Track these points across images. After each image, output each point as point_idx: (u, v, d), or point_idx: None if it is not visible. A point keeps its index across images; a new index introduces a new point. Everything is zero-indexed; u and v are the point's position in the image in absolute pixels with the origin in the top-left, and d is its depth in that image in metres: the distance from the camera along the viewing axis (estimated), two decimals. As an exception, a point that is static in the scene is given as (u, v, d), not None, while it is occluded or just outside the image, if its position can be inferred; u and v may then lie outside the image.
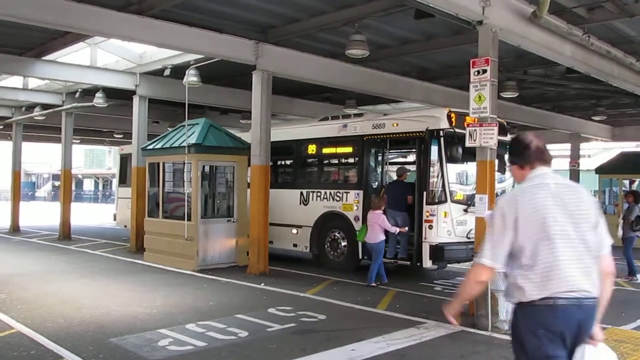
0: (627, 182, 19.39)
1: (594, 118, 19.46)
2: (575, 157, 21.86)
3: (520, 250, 2.96)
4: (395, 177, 12.20)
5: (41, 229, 21.43)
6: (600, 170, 20.04)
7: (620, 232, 11.61)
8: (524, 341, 2.99)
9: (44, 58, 13.49)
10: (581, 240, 2.95)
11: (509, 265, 3.05)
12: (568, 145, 22.55)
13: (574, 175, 21.67)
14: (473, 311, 7.42)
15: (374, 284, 10.03)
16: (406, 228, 10.26)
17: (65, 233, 17.84)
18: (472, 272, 3.18)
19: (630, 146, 26.69)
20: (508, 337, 6.64)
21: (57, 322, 7.24)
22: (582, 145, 23.02)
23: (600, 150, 34.71)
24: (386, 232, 10.03)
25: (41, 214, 30.55)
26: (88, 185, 68.59)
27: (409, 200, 10.55)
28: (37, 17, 9.13)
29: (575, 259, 2.93)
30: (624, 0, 9.00)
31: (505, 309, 6.92)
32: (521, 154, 3.21)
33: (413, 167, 11.23)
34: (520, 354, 3.03)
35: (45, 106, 18.59)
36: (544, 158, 3.18)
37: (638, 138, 23.87)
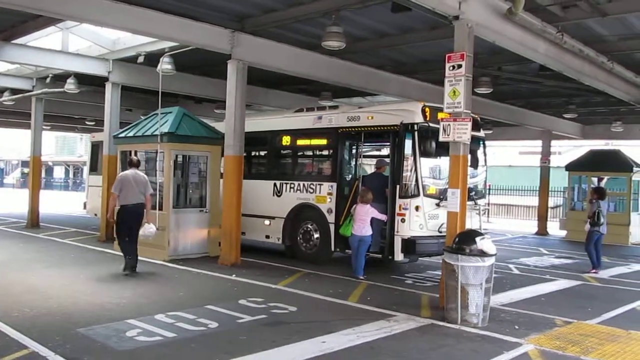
0: (595, 179, 19.74)
1: (565, 116, 19.72)
2: (546, 153, 22.18)
3: (120, 189, 9.84)
4: (369, 170, 12.24)
5: (9, 216, 21.00)
6: (570, 167, 20.36)
7: (587, 227, 11.98)
8: (119, 217, 9.99)
9: (13, 41, 13.16)
10: (139, 188, 9.95)
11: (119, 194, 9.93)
12: (539, 142, 22.86)
13: (545, 171, 22.03)
14: (443, 304, 7.49)
15: (362, 277, 10.08)
16: (385, 217, 10.32)
17: (34, 221, 17.52)
18: (109, 198, 10.43)
19: (599, 144, 27.19)
20: (477, 331, 6.77)
21: (23, 311, 7.11)
22: (553, 143, 23.34)
23: (570, 147, 35.24)
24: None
25: (9, 201, 29.97)
26: (58, 172, 67.43)
27: (387, 192, 10.58)
28: (7, -1, 8.90)
29: (133, 193, 9.89)
30: (597, -1, 9.13)
31: (475, 303, 7.01)
32: (129, 164, 10.64)
33: (386, 160, 11.25)
34: (117, 225, 10.13)
35: (14, 91, 18.17)
36: (134, 165, 10.34)
37: (607, 136, 24.27)
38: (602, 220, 11.80)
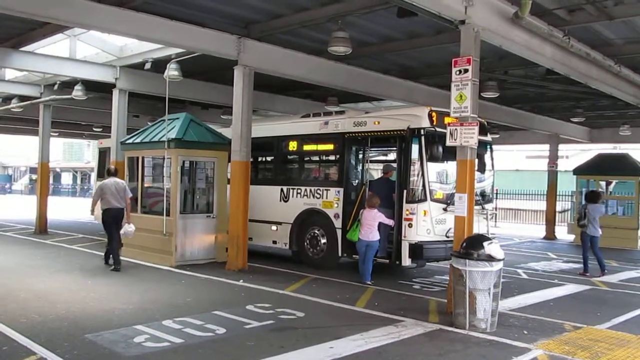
0: (603, 183, 19.64)
1: (572, 119, 19.67)
2: (553, 157, 22.09)
3: (101, 196, 11.00)
4: (376, 175, 12.22)
5: (17, 222, 21.09)
6: (577, 171, 20.28)
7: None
8: (104, 219, 11.17)
9: (21, 49, 13.24)
10: (119, 194, 11.02)
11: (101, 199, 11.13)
12: (547, 146, 22.78)
13: (552, 175, 21.94)
14: (451, 309, 7.46)
15: (369, 282, 10.05)
16: (393, 222, 10.30)
17: (42, 227, 17.58)
18: (93, 202, 11.95)
19: (607, 148, 27.05)
20: (485, 336, 6.74)
21: (31, 317, 7.13)
22: (561, 147, 23.25)
23: (578, 151, 35.12)
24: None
25: (17, 208, 30.09)
26: (66, 178, 67.64)
27: (394, 197, 10.55)
28: (16, 7, 8.93)
29: (115, 198, 10.95)
30: (604, 3, 9.10)
31: (484, 308, 6.97)
32: (107, 173, 11.77)
33: (393, 165, 11.23)
34: (104, 225, 11.29)
35: (22, 98, 18.29)
36: (111, 174, 11.41)
37: (615, 140, 24.18)
38: (583, 221, 11.95)
